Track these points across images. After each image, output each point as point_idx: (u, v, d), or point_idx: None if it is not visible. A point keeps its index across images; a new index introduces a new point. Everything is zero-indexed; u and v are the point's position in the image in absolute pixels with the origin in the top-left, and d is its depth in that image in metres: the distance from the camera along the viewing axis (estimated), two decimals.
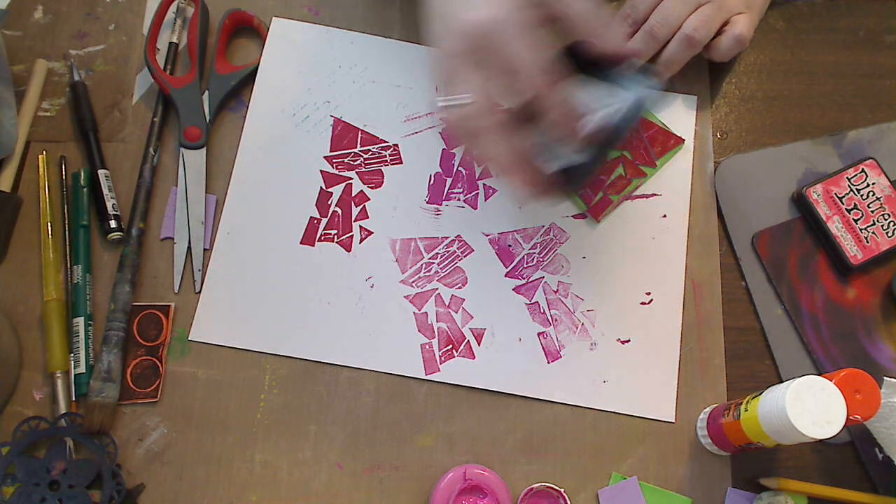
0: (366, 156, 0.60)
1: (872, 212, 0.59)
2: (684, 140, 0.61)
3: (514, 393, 0.55)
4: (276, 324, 0.55)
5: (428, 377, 0.55)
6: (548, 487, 0.53)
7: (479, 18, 0.44)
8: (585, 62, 0.50)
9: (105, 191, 0.56)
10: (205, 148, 0.59)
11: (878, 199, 0.59)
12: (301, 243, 0.57)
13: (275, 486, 0.53)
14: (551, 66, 0.45)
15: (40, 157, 0.57)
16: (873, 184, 0.59)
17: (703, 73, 0.64)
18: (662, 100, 0.59)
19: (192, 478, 0.52)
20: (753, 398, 0.49)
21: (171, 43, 0.61)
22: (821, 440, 0.45)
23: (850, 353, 0.57)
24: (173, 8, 0.62)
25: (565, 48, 0.50)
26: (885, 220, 0.59)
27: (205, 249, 0.57)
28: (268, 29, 0.62)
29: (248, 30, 0.63)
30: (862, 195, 0.59)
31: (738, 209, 0.60)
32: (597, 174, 0.56)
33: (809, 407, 0.45)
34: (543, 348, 0.56)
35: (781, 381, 0.54)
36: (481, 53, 0.45)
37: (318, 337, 0.55)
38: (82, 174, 0.57)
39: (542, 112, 0.46)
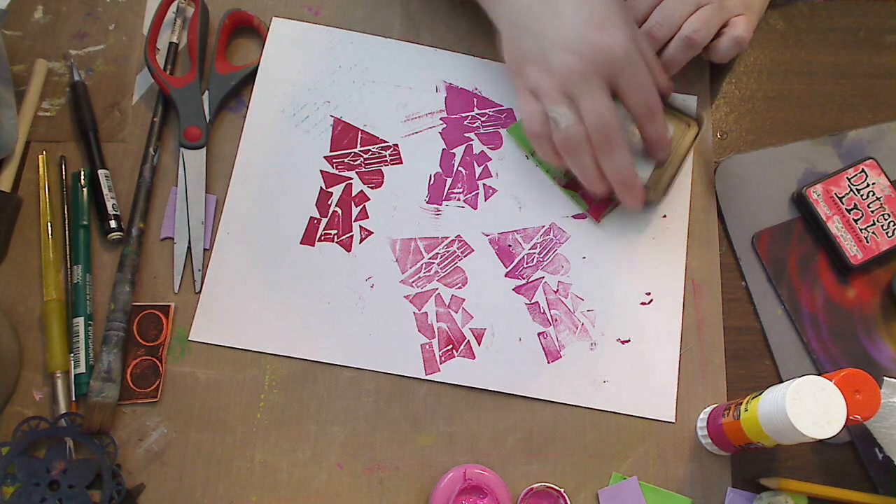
0: (366, 156, 0.60)
1: (872, 212, 0.59)
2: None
3: (515, 393, 0.55)
4: (275, 324, 0.55)
5: (428, 377, 0.55)
6: (548, 487, 0.53)
7: (619, 44, 0.50)
8: None
9: (105, 191, 0.56)
10: (205, 148, 0.59)
11: (878, 199, 0.59)
12: (301, 243, 0.57)
13: (275, 486, 0.53)
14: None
15: (40, 157, 0.57)
16: (873, 184, 0.59)
17: (704, 73, 0.64)
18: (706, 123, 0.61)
19: (192, 478, 0.52)
20: (753, 398, 0.49)
21: (171, 43, 0.61)
22: (821, 440, 0.45)
23: (850, 353, 0.57)
24: (173, 8, 0.62)
25: None
26: (885, 220, 0.59)
27: (205, 249, 0.57)
28: (268, 29, 0.62)
29: (248, 30, 0.63)
30: (862, 195, 0.59)
31: (738, 209, 0.60)
32: (673, 182, 0.59)
33: (809, 407, 0.45)
34: (543, 348, 0.56)
35: (781, 381, 0.54)
36: (612, 74, 0.50)
37: (318, 337, 0.55)
38: (82, 174, 0.57)
39: (652, 126, 0.54)
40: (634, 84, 0.51)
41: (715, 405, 0.55)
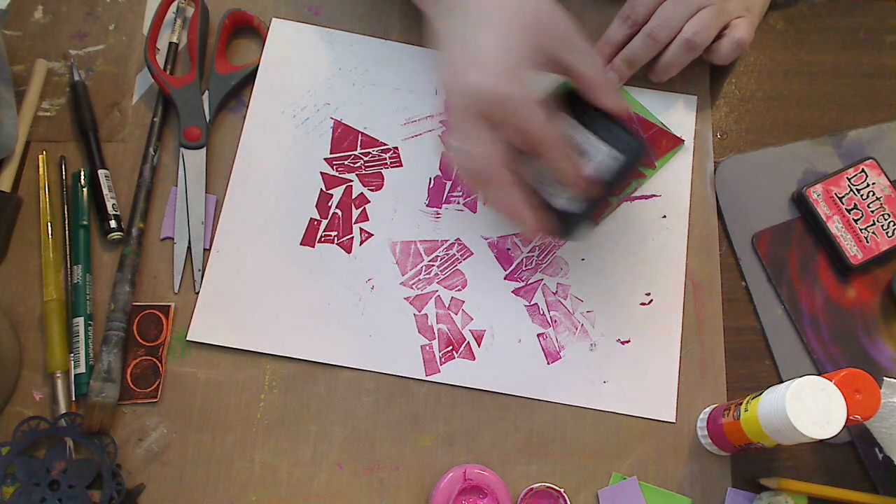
0: (366, 158, 0.60)
1: (872, 212, 0.59)
2: (684, 140, 0.61)
3: (515, 394, 0.55)
4: (275, 325, 0.55)
5: (428, 378, 0.55)
6: (548, 487, 0.53)
7: (486, 85, 0.46)
8: (579, 105, 0.53)
9: (105, 191, 0.57)
10: (205, 148, 0.59)
11: (878, 199, 0.59)
12: (301, 244, 0.57)
13: (275, 486, 0.53)
14: (554, 117, 0.49)
15: (40, 157, 0.58)
16: (873, 184, 0.59)
17: (704, 73, 0.64)
18: (650, 156, 0.59)
19: (192, 478, 0.52)
20: (753, 398, 0.49)
21: (171, 43, 0.61)
22: (821, 440, 0.45)
23: (850, 353, 0.57)
24: (173, 8, 0.62)
25: (564, 94, 0.53)
26: (885, 220, 0.59)
27: (205, 249, 0.57)
28: (268, 29, 0.62)
29: (248, 30, 0.63)
30: (862, 195, 0.59)
31: (738, 209, 0.60)
32: (598, 221, 0.57)
33: (809, 407, 0.45)
34: (543, 349, 0.56)
35: (781, 381, 0.54)
36: (486, 112, 0.47)
37: (318, 338, 0.55)
38: (82, 174, 0.57)
39: (548, 160, 0.49)
40: (511, 125, 0.48)
41: (715, 405, 0.55)
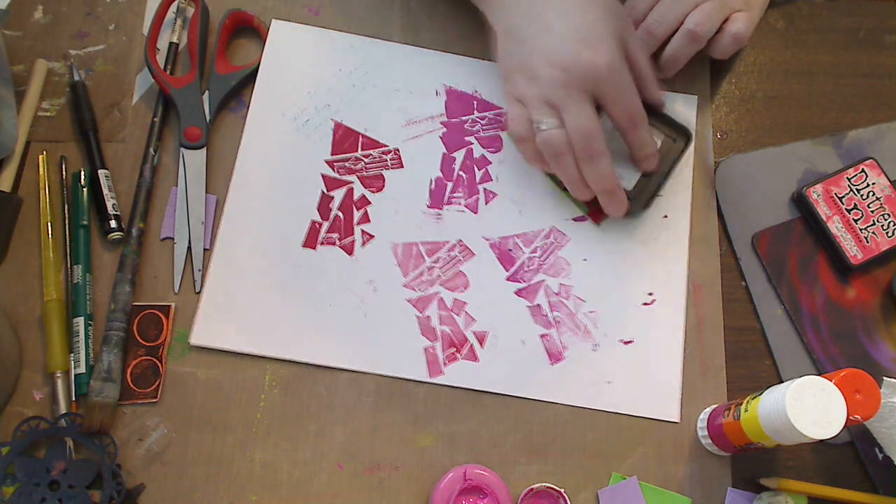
0: (367, 160, 0.60)
1: (872, 212, 0.59)
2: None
3: (519, 395, 0.55)
4: (278, 328, 0.55)
5: (432, 380, 0.55)
6: (548, 488, 0.53)
7: (602, 61, 0.51)
8: None
9: (105, 191, 0.56)
10: (205, 148, 0.59)
11: (878, 199, 0.59)
12: (303, 246, 0.57)
13: (275, 486, 0.53)
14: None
15: (40, 157, 0.57)
16: (873, 184, 0.59)
17: (704, 72, 0.64)
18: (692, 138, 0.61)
19: (192, 478, 0.52)
20: (753, 398, 0.49)
21: (171, 43, 0.61)
22: (821, 440, 0.45)
23: (850, 353, 0.57)
24: (173, 8, 0.62)
25: None
26: (885, 220, 0.59)
27: (205, 249, 0.57)
28: (268, 29, 0.62)
29: (249, 30, 0.63)
30: (862, 195, 0.59)
31: (738, 209, 0.60)
32: (659, 192, 0.59)
33: (809, 407, 0.45)
34: (546, 350, 0.56)
35: (781, 381, 0.54)
36: (595, 87, 0.51)
37: (320, 340, 0.55)
38: (82, 174, 0.57)
39: (636, 135, 0.55)
40: (616, 97, 0.52)
41: (715, 405, 0.55)
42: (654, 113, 0.58)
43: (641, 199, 0.58)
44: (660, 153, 0.58)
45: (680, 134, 0.59)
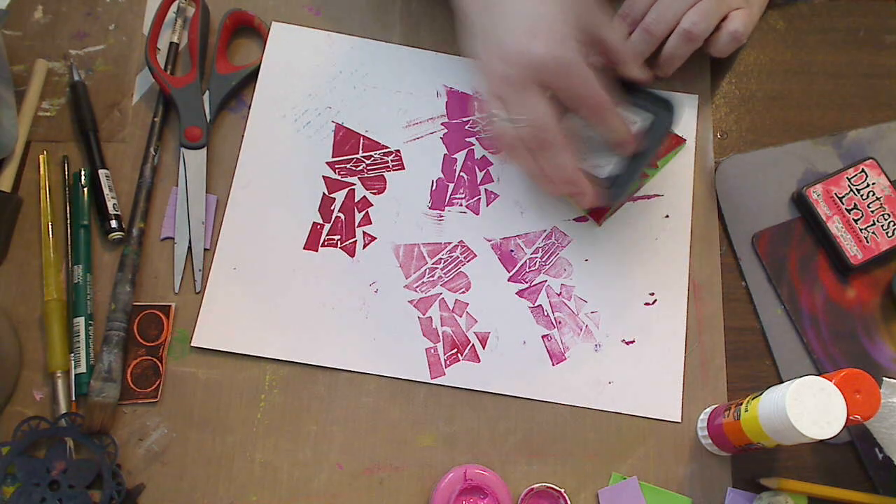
0: (368, 161, 0.60)
1: (872, 212, 0.59)
2: (685, 140, 0.61)
3: (520, 396, 0.55)
4: (279, 330, 0.55)
5: (434, 381, 0.55)
6: (548, 488, 0.53)
7: (550, 53, 0.48)
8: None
9: (105, 191, 0.56)
10: (205, 148, 0.59)
11: (878, 199, 0.59)
12: (304, 248, 0.57)
13: (275, 486, 0.53)
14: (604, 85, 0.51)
15: (41, 157, 0.57)
16: (873, 184, 0.59)
17: (705, 72, 0.64)
18: (679, 118, 0.58)
19: (192, 478, 0.52)
20: (753, 398, 0.49)
21: (171, 43, 0.61)
22: (821, 440, 0.45)
23: (850, 353, 0.57)
24: (174, 8, 0.62)
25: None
26: (885, 220, 0.59)
27: (205, 249, 0.57)
28: (268, 30, 0.62)
29: (249, 30, 0.63)
30: (862, 195, 0.59)
31: (738, 209, 0.60)
32: (636, 179, 0.57)
33: (809, 407, 0.45)
34: (548, 350, 0.56)
35: (781, 381, 0.54)
36: (545, 79, 0.49)
37: (322, 342, 0.55)
38: (83, 174, 0.57)
39: (603, 121, 0.52)
40: (568, 88, 0.50)
41: (715, 405, 0.55)
42: (638, 90, 0.56)
43: (622, 184, 0.55)
44: (643, 133, 0.55)
45: (664, 108, 0.55)
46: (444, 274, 0.57)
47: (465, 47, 0.54)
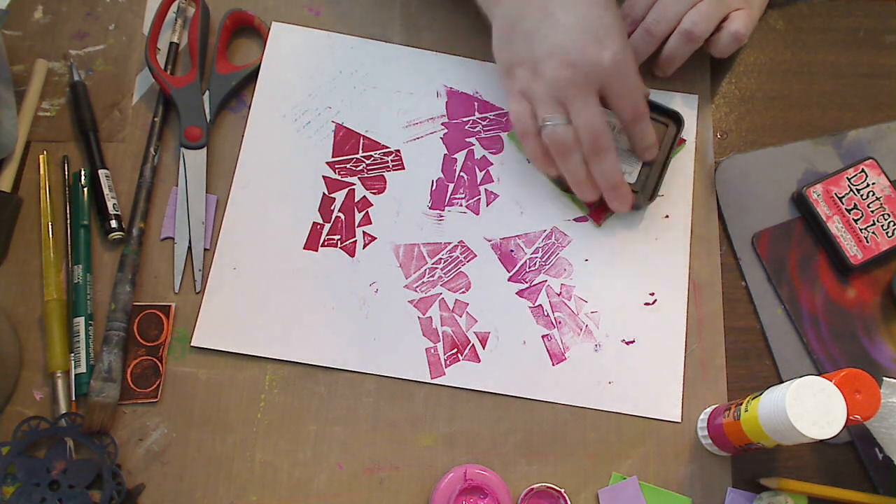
0: (368, 161, 0.60)
1: (872, 212, 0.59)
2: (685, 140, 0.61)
3: (520, 396, 0.55)
4: (280, 330, 0.55)
5: (434, 381, 0.55)
6: (548, 488, 0.53)
7: (609, 55, 0.51)
8: None
9: (105, 191, 0.56)
10: (205, 148, 0.59)
11: (878, 199, 0.59)
12: (304, 248, 0.57)
13: (275, 486, 0.53)
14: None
15: (41, 157, 0.57)
16: (873, 184, 0.59)
17: (705, 72, 0.64)
18: (686, 127, 0.60)
19: (192, 478, 0.52)
20: (753, 398, 0.49)
21: (171, 43, 0.61)
22: (821, 440, 0.45)
23: (850, 353, 0.57)
24: (174, 8, 0.62)
25: None
26: (885, 220, 0.59)
27: (205, 249, 0.57)
28: (268, 30, 0.62)
29: (249, 30, 0.63)
30: (862, 195, 0.59)
31: (738, 209, 0.60)
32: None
33: (809, 407, 0.45)
34: (548, 350, 0.56)
35: (781, 381, 0.54)
36: (604, 84, 0.52)
37: (322, 342, 0.55)
38: (83, 174, 0.57)
39: (641, 128, 0.55)
40: (622, 92, 0.52)
41: (715, 405, 0.55)
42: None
43: (646, 190, 0.58)
44: (658, 142, 0.57)
45: (671, 119, 0.59)
46: (444, 274, 0.57)
47: (500, 49, 0.55)
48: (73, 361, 0.53)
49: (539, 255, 0.58)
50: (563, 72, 0.51)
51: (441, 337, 0.56)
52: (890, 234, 0.58)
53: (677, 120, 0.59)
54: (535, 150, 0.55)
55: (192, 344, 0.55)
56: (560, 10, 0.51)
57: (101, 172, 0.57)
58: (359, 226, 0.58)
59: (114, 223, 0.56)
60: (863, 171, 0.60)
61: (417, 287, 0.57)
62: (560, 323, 0.57)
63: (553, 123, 0.52)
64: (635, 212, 0.59)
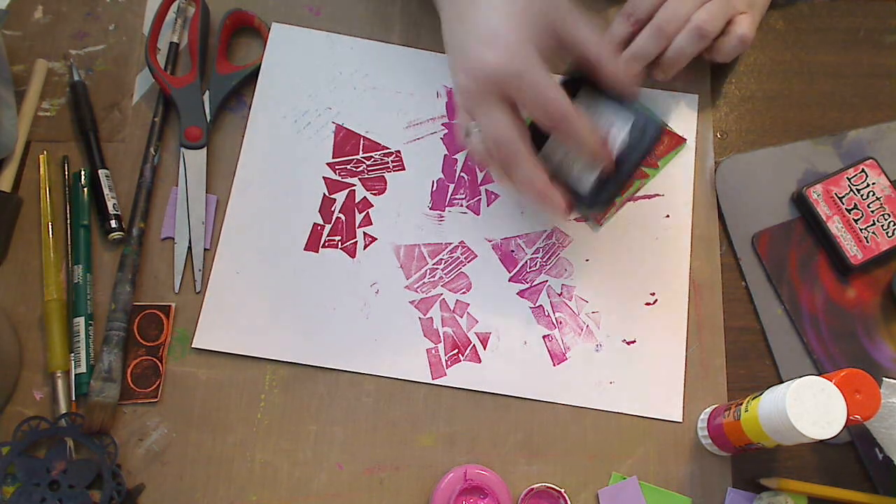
0: (368, 162, 0.60)
1: (872, 212, 0.59)
2: (686, 140, 0.61)
3: (521, 396, 0.55)
4: (280, 331, 0.55)
5: (435, 382, 0.55)
6: (548, 488, 0.53)
7: (502, 63, 0.47)
8: (585, 86, 0.53)
9: (105, 191, 0.56)
10: (205, 148, 0.59)
11: (878, 199, 0.59)
12: (305, 249, 0.57)
13: (275, 486, 0.53)
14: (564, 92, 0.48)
15: (41, 157, 0.57)
16: (873, 184, 0.59)
17: (704, 72, 0.64)
18: (663, 123, 0.57)
19: (192, 478, 0.52)
20: (753, 398, 0.49)
21: (171, 43, 0.61)
22: (821, 440, 0.45)
23: (850, 353, 0.57)
24: (174, 8, 0.62)
25: (569, 74, 0.53)
26: (885, 219, 0.59)
27: (205, 249, 0.57)
28: (268, 30, 0.62)
29: (249, 30, 0.63)
30: (862, 195, 0.59)
31: (738, 209, 0.60)
32: (618, 193, 0.56)
33: (809, 407, 0.45)
34: (549, 351, 0.56)
35: (781, 381, 0.54)
36: (503, 91, 0.47)
37: (323, 343, 0.55)
38: (83, 174, 0.57)
39: (568, 131, 0.49)
40: (524, 98, 0.48)
41: (715, 405, 0.55)
42: (619, 104, 0.52)
43: (597, 202, 0.52)
44: (623, 147, 0.51)
45: (649, 124, 0.51)
46: (445, 274, 0.57)
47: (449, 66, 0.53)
48: (73, 361, 0.53)
49: (540, 255, 0.58)
50: (462, 80, 0.49)
51: (442, 337, 0.56)
52: (890, 234, 0.58)
53: (656, 125, 0.51)
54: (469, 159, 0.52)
55: (193, 346, 0.54)
56: (471, 15, 0.49)
57: (101, 172, 0.57)
58: (359, 226, 0.58)
59: (114, 223, 0.56)
60: (863, 171, 0.60)
61: (418, 288, 0.57)
62: (561, 323, 0.57)
63: (465, 134, 0.50)
64: (588, 220, 0.57)
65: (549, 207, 0.51)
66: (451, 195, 0.59)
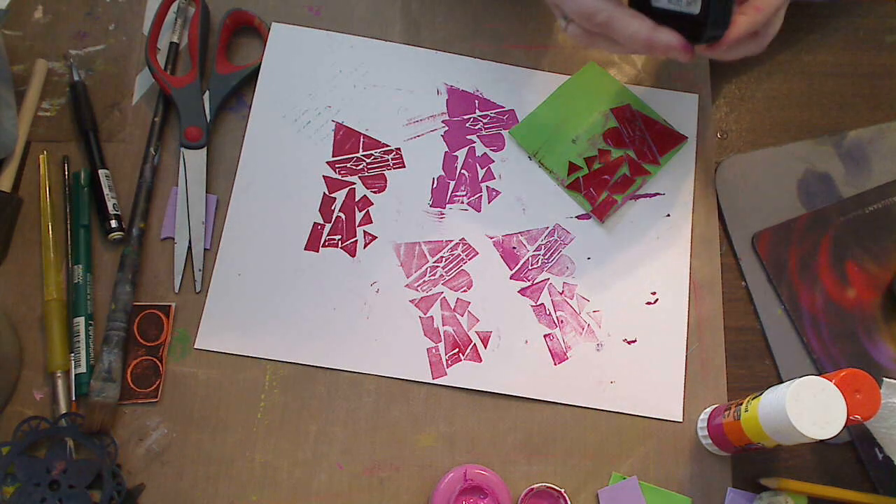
0: (368, 160, 0.60)
1: None
2: (687, 137, 0.61)
3: (522, 395, 0.55)
4: (281, 331, 0.55)
5: (435, 381, 0.55)
6: (548, 487, 0.53)
7: None
8: None
9: (105, 191, 0.56)
10: (205, 148, 0.59)
11: None
12: (305, 249, 0.57)
13: (275, 486, 0.53)
14: None
15: (41, 157, 0.57)
16: None
17: (705, 71, 0.64)
18: None
19: (192, 478, 0.52)
20: (754, 398, 0.49)
21: (171, 43, 0.61)
22: (821, 440, 0.45)
23: (850, 353, 0.57)
24: (174, 8, 0.62)
25: None
26: None
27: (205, 249, 0.57)
28: (268, 30, 0.62)
29: (249, 30, 0.63)
30: None
31: (738, 209, 0.60)
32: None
33: (809, 407, 0.45)
34: (550, 350, 0.56)
35: (781, 381, 0.54)
36: None
37: (324, 343, 0.55)
38: (83, 174, 0.57)
39: None
40: None
41: (715, 405, 0.55)
42: None
43: (717, 16, 0.48)
44: None
45: None
46: (446, 272, 0.57)
47: None
48: (73, 361, 0.53)
49: (542, 252, 0.58)
50: None
51: (443, 336, 0.56)
52: None
53: None
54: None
55: (195, 347, 0.55)
56: None
57: (101, 172, 0.57)
58: (359, 225, 0.58)
59: (114, 223, 0.56)
60: None
61: (419, 286, 0.57)
62: (562, 322, 0.57)
63: (564, 30, 0.52)
64: (715, 44, 0.50)
65: (664, 50, 0.49)
66: (452, 192, 0.59)
